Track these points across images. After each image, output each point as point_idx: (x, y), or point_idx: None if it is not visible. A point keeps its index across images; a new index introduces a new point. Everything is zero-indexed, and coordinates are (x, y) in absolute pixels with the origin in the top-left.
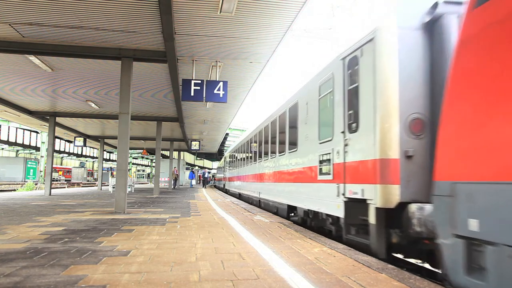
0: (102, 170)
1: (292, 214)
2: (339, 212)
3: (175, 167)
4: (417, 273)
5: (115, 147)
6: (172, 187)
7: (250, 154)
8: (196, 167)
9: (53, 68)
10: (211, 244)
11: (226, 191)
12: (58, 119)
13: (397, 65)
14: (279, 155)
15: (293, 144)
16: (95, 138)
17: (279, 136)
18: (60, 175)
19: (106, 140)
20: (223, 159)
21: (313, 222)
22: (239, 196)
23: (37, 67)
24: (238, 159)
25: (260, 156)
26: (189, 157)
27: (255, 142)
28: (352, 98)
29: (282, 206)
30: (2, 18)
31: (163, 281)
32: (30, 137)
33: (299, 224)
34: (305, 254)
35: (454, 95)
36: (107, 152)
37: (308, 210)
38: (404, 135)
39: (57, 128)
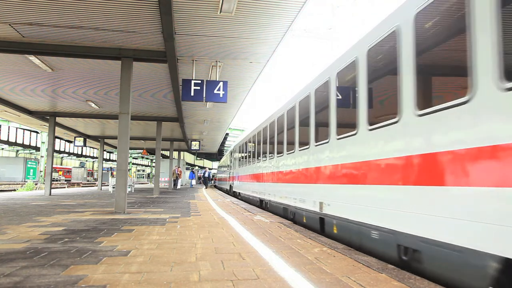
0: (102, 170)
1: None
2: None
3: (178, 167)
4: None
5: (115, 147)
6: (173, 187)
7: (293, 135)
8: (196, 167)
9: (53, 68)
10: (211, 244)
11: (235, 195)
12: (58, 119)
13: None
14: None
15: None
16: (95, 138)
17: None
18: (60, 175)
19: (106, 140)
20: (228, 154)
21: None
22: (261, 204)
23: (37, 67)
24: (262, 149)
25: (320, 134)
26: (189, 157)
27: (305, 112)
28: None
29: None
30: (2, 18)
31: (163, 281)
32: (30, 137)
33: None
34: (305, 254)
35: None
36: (107, 152)
37: None
38: None
39: (57, 128)
